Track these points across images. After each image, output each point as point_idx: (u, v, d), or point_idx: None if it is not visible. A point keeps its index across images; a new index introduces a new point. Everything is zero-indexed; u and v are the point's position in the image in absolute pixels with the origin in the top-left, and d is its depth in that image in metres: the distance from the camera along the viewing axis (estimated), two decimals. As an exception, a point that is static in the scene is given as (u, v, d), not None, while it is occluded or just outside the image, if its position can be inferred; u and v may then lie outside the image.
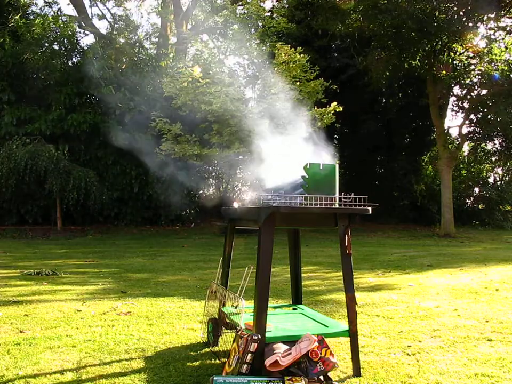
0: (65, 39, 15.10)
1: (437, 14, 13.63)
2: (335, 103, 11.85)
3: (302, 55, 12.26)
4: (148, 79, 14.73)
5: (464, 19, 13.71)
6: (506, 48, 14.52)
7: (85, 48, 15.79)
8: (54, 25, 14.90)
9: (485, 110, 15.27)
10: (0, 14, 15.34)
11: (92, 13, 20.87)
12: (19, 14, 15.36)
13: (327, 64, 16.16)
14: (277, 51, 12.33)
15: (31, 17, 16.52)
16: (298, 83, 12.35)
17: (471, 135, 16.61)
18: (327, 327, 2.83)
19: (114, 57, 15.36)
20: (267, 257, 2.52)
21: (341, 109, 11.88)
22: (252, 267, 2.76)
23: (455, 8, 13.69)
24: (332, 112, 11.94)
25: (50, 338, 3.26)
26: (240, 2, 15.42)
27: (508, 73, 14.02)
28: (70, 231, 13.76)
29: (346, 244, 2.70)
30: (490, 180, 21.82)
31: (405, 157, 18.99)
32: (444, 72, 15.04)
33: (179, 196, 15.18)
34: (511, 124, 14.28)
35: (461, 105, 16.14)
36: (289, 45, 12.54)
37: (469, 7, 13.44)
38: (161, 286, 5.50)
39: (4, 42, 13.86)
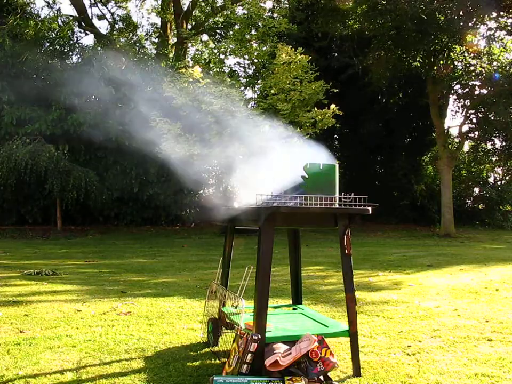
0: (65, 39, 15.09)
1: (437, 14, 13.62)
2: (333, 105, 11.81)
3: (303, 55, 12.24)
4: (147, 79, 14.72)
5: (464, 19, 13.71)
6: (506, 48, 14.51)
7: (85, 48, 15.78)
8: (54, 25, 14.88)
9: (485, 109, 15.26)
10: (-1, 14, 15.36)
11: (91, 13, 20.88)
12: (19, 14, 15.33)
13: (328, 64, 16.15)
14: (278, 51, 12.31)
15: (30, 17, 16.49)
16: (299, 84, 12.33)
17: (471, 135, 16.61)
18: (327, 327, 2.83)
19: (114, 57, 15.35)
20: (267, 257, 2.52)
21: (341, 113, 11.86)
22: (252, 267, 2.76)
23: (455, 9, 13.68)
24: (332, 115, 11.90)
25: (50, 338, 3.26)
26: (241, 2, 15.40)
27: (507, 73, 14.01)
28: (70, 231, 13.76)
29: (346, 244, 2.70)
30: (490, 180, 21.82)
31: (405, 157, 18.97)
32: (444, 72, 15.04)
33: (179, 196, 15.19)
34: (511, 124, 14.28)
35: (461, 104, 16.14)
36: (290, 46, 12.52)
37: (469, 7, 13.43)
38: (161, 286, 5.50)
39: (4, 42, 13.84)
